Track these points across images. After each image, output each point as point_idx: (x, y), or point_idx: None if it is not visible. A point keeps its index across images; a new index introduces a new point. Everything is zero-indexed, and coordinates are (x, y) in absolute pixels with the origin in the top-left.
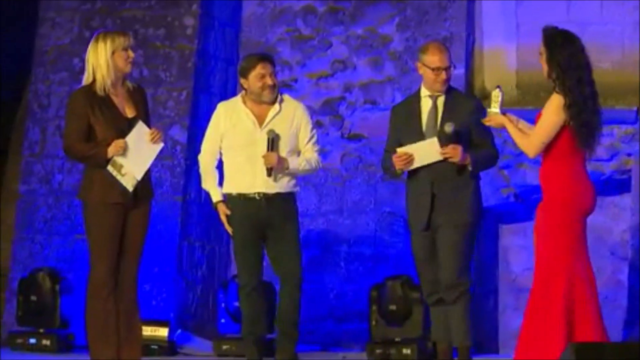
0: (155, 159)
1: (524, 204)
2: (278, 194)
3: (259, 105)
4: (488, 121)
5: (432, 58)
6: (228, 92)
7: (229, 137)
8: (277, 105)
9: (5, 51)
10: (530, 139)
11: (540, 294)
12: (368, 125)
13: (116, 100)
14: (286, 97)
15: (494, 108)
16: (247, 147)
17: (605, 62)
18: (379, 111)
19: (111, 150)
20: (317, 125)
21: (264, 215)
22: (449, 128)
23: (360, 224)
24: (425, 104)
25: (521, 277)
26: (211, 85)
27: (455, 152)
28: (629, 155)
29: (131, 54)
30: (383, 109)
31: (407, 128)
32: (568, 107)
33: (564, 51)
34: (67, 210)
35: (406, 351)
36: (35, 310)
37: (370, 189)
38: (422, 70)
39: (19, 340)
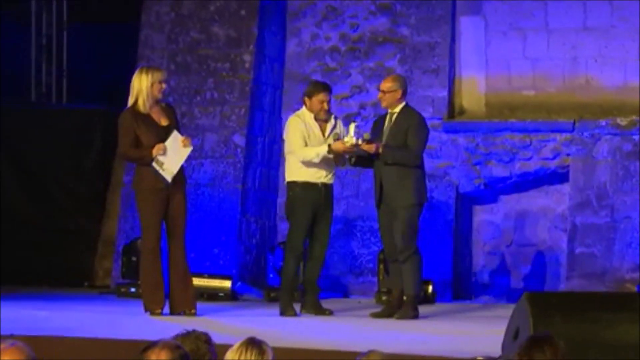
0: (221, 158)
1: (490, 190)
2: (331, 184)
3: (318, 120)
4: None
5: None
6: (275, 109)
7: (305, 140)
8: (332, 121)
9: (116, 80)
10: None
11: None
12: None
13: (153, 115)
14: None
15: (349, 136)
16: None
17: (551, 87)
18: None
19: (154, 151)
20: None
21: (323, 199)
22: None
23: (370, 206)
24: (388, 117)
25: (489, 244)
26: (263, 104)
27: (369, 147)
28: (568, 155)
29: (164, 85)
30: None
31: (375, 132)
32: None
33: None
34: None
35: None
36: (134, 267)
37: None
38: None
39: (123, 290)
